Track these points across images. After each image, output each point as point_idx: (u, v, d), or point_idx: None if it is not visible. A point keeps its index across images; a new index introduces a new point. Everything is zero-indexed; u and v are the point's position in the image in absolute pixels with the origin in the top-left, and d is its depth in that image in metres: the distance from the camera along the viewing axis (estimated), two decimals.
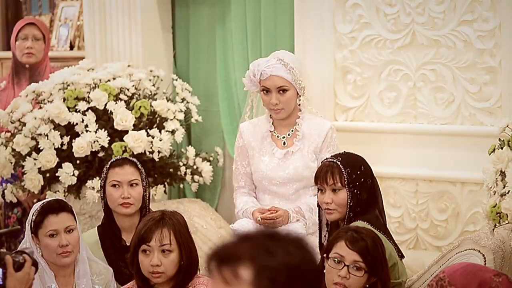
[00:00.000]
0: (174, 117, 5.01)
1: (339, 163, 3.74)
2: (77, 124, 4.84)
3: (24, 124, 4.89)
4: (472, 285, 2.62)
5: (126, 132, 4.83)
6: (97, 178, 4.73)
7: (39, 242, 3.67)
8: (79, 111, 4.87)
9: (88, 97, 4.92)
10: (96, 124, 4.84)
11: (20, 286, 2.86)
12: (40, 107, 4.96)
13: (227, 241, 1.90)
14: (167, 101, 5.08)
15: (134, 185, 4.07)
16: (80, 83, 4.97)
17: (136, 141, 4.79)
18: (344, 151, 3.91)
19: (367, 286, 3.34)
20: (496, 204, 3.58)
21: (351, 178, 3.71)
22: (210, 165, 5.18)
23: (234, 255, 1.86)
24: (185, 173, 5.05)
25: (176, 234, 3.46)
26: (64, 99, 4.91)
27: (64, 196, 4.81)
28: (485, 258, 3.60)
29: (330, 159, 3.79)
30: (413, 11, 4.54)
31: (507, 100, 4.30)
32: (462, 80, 4.45)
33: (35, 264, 2.94)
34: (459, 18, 4.43)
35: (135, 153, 4.76)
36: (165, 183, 5.03)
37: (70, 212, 3.71)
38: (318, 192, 3.81)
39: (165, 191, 5.05)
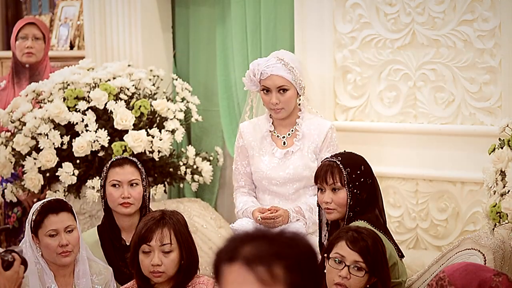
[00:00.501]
0: (174, 116, 5.01)
1: (339, 162, 3.74)
2: (77, 123, 4.84)
3: (24, 124, 4.89)
4: (472, 284, 2.61)
5: (126, 131, 4.84)
6: (97, 177, 4.73)
7: (39, 241, 3.66)
8: (79, 111, 4.87)
9: (88, 96, 4.92)
10: (96, 123, 4.84)
11: (9, 285, 2.85)
12: (40, 107, 4.96)
13: (244, 241, 1.90)
14: (167, 100, 5.08)
15: (134, 185, 4.07)
16: (80, 83, 4.97)
17: (136, 140, 4.79)
18: (344, 151, 3.91)
19: (368, 286, 3.34)
20: (496, 204, 3.58)
21: (351, 177, 3.71)
22: (210, 164, 5.18)
23: (265, 255, 1.86)
24: (185, 173, 5.05)
25: (177, 234, 3.46)
26: (64, 99, 4.91)
27: (64, 195, 4.81)
28: (485, 258, 3.60)
29: (330, 159, 3.79)
30: (413, 11, 4.54)
31: (507, 99, 4.30)
32: (462, 80, 4.45)
33: (24, 263, 2.94)
34: (459, 18, 4.43)
35: (135, 152, 4.76)
36: (165, 183, 5.03)
37: (70, 211, 3.71)
38: (318, 192, 3.81)
39: (165, 191, 5.05)
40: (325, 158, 3.84)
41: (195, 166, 5.10)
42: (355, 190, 3.70)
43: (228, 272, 1.88)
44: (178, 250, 3.47)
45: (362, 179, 3.73)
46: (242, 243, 1.89)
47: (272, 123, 4.41)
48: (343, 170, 3.72)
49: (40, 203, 3.71)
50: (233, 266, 1.87)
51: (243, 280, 1.86)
